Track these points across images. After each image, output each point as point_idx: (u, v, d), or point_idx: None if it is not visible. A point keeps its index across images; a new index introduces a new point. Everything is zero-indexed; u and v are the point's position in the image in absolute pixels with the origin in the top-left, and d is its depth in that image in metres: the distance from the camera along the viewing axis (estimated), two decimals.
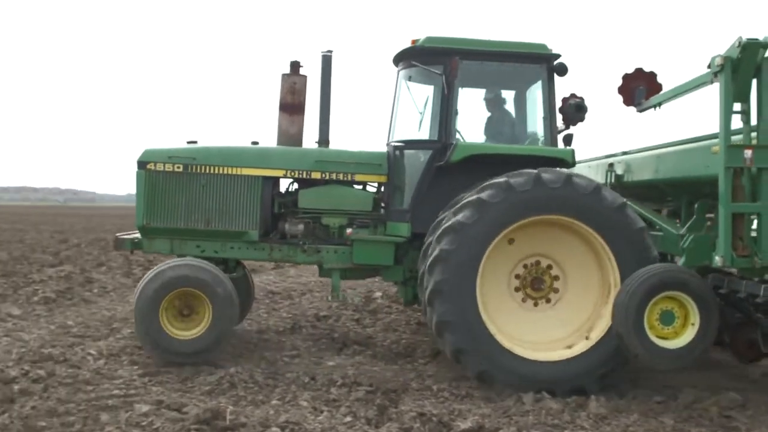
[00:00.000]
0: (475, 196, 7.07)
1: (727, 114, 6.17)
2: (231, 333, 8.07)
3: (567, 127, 9.08)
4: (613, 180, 8.86)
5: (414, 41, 8.14)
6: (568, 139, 8.42)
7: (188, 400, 6.27)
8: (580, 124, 8.98)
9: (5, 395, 6.35)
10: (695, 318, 6.40)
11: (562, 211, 7.07)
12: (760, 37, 6.00)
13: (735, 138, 6.29)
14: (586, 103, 8.78)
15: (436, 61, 8.02)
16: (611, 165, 8.95)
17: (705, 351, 6.56)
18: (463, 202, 7.16)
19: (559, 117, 8.75)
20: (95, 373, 7.28)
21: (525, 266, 7.44)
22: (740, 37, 5.99)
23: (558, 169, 7.38)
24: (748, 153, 6.08)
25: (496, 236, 7.04)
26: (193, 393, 6.67)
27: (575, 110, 8.74)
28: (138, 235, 8.55)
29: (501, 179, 7.09)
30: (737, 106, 6.26)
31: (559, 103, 8.87)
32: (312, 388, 6.95)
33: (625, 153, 8.98)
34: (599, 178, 9.01)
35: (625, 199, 7.25)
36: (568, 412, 6.29)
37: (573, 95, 8.92)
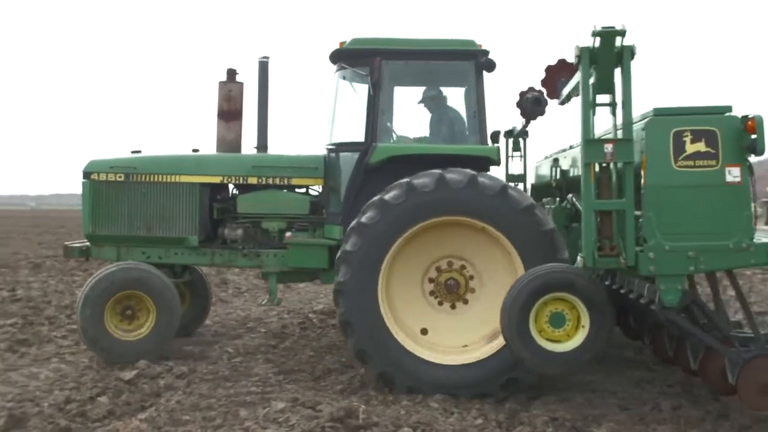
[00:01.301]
0: (377, 198, 7.03)
1: (585, 107, 5.90)
2: (171, 335, 8.26)
3: (527, 122, 9.01)
4: (558, 175, 8.65)
5: (341, 43, 8.14)
6: (495, 136, 8.27)
7: (321, 399, 6.45)
8: (540, 118, 8.83)
9: (152, 389, 6.89)
10: (585, 320, 6.10)
11: (467, 213, 6.92)
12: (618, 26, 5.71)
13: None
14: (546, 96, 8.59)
15: (363, 62, 8.00)
16: (556, 160, 8.75)
17: (596, 355, 6.25)
18: (368, 203, 7.12)
19: (518, 111, 8.68)
20: (233, 370, 7.79)
21: (438, 269, 7.30)
22: (594, 26, 5.72)
23: (465, 169, 7.15)
24: (608, 147, 5.79)
25: (399, 237, 6.95)
26: (326, 392, 6.91)
27: (533, 104, 8.61)
28: (87, 243, 8.80)
29: (404, 180, 7.02)
30: (606, 98, 5.99)
31: (517, 98, 8.75)
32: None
33: (571, 147, 8.70)
34: (546, 174, 8.79)
35: (532, 201, 7.04)
36: (709, 422, 5.97)
37: (531, 89, 8.74)
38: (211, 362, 8.09)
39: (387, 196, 6.97)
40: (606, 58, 5.79)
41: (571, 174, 8.38)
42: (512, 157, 10.67)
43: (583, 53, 5.82)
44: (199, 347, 8.83)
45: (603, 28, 5.70)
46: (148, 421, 5.79)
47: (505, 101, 9.54)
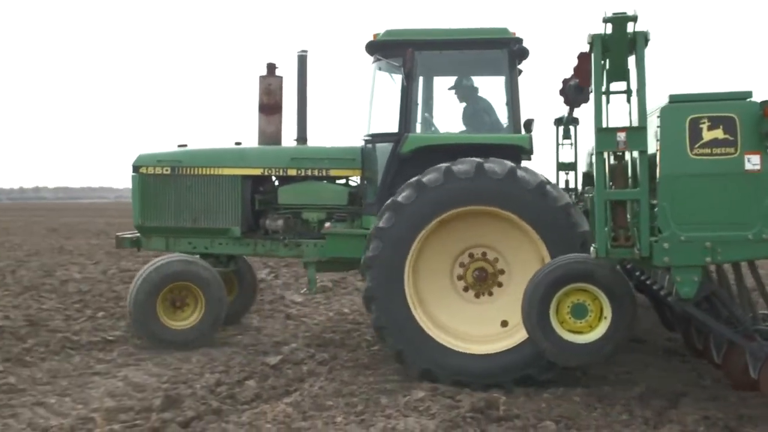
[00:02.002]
0: (392, 199, 7.08)
1: (598, 94, 5.77)
2: (219, 324, 8.59)
3: (571, 110, 8.96)
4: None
5: (375, 35, 8.20)
6: (528, 125, 8.16)
7: (460, 389, 6.51)
8: (584, 105, 8.76)
9: (296, 375, 7.21)
10: (607, 311, 5.98)
11: (479, 202, 6.87)
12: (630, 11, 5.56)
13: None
14: None
15: (397, 53, 8.03)
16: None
17: (619, 346, 6.13)
18: (384, 205, 7.17)
19: (561, 99, 8.60)
20: (372, 357, 7.99)
21: (464, 262, 7.27)
22: (605, 12, 5.59)
23: (473, 159, 7.05)
24: (621, 136, 5.63)
25: (416, 237, 6.96)
26: None
27: (576, 92, 8.48)
28: (137, 234, 9.18)
29: (415, 178, 7.03)
30: (621, 86, 5.87)
31: (560, 85, 8.71)
32: (584, 383, 6.80)
33: None
34: (585, 164, 8.63)
35: (544, 179, 6.93)
36: None
37: (574, 76, 8.43)
38: (350, 350, 8.35)
39: (399, 198, 6.99)
40: (619, 45, 5.66)
41: None
42: (562, 145, 10.52)
43: (595, 40, 5.68)
44: (339, 335, 9.17)
45: (614, 14, 5.57)
46: (293, 405, 5.98)
47: (550, 88, 9.41)
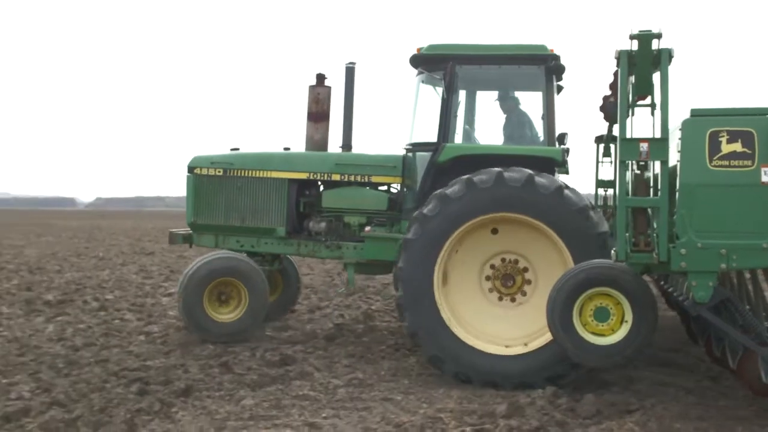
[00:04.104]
0: (418, 211, 7.46)
1: (623, 107, 6.06)
2: (261, 318, 9.02)
3: (610, 126, 9.10)
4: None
5: (419, 49, 8.59)
6: (561, 138, 8.45)
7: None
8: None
9: (633, 392, 6.89)
10: (628, 315, 6.23)
11: (499, 209, 7.18)
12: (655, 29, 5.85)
13: None
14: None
15: (438, 67, 8.42)
16: None
17: (639, 349, 6.34)
18: (412, 217, 7.57)
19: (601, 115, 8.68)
20: (712, 380, 7.45)
21: (493, 266, 7.57)
22: (631, 30, 5.88)
23: (493, 168, 7.34)
24: (644, 146, 5.92)
25: (441, 249, 7.28)
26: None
27: (615, 108, 8.60)
28: (189, 231, 9.73)
29: (439, 191, 7.39)
30: (647, 100, 6.15)
31: (600, 101, 8.73)
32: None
33: None
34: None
35: (562, 183, 7.21)
36: None
37: (611, 94, 8.64)
38: (687, 369, 7.86)
39: (425, 210, 7.35)
40: (644, 61, 5.95)
41: None
42: (602, 162, 10.63)
43: (622, 56, 5.99)
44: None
45: (640, 31, 5.86)
46: (639, 425, 5.83)
47: (591, 105, 9.51)
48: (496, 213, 7.25)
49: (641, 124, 6.33)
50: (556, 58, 8.22)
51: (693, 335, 8.43)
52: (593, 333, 6.30)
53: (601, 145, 10.49)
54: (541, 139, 8.40)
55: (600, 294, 6.27)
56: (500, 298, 7.59)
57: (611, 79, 8.15)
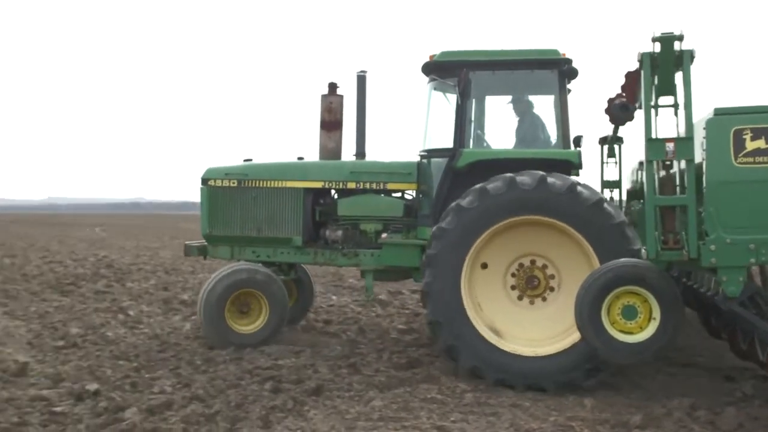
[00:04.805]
0: (455, 203, 7.58)
1: (647, 108, 6.23)
2: (281, 328, 9.14)
3: (615, 129, 9.40)
4: (640, 179, 8.70)
5: (431, 56, 8.74)
6: (577, 141, 8.63)
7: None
8: (629, 124, 8.94)
9: None
10: (656, 313, 6.37)
11: (538, 212, 7.33)
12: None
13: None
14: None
15: (451, 73, 8.53)
16: (641, 163, 8.67)
17: (667, 346, 6.51)
18: (447, 208, 7.67)
19: (606, 118, 8.78)
20: None
21: (521, 265, 7.72)
22: (654, 32, 6.06)
23: (537, 171, 7.52)
24: (670, 146, 6.09)
25: (476, 240, 7.45)
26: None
27: (621, 110, 8.76)
28: (204, 243, 9.79)
29: (479, 185, 7.51)
30: (669, 100, 6.33)
31: (605, 104, 8.87)
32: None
33: None
34: (632, 178, 9.07)
35: (601, 196, 7.42)
36: None
37: (619, 95, 8.89)
38: None
39: (463, 202, 7.49)
40: (666, 62, 6.14)
41: None
42: (607, 163, 10.66)
43: (645, 58, 6.18)
44: None
45: (663, 33, 6.06)
46: None
47: (595, 107, 10.02)
48: (533, 216, 7.39)
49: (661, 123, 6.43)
50: (569, 62, 8.43)
51: (713, 330, 8.56)
52: (621, 331, 6.44)
53: (605, 147, 10.57)
54: (554, 142, 8.60)
55: (627, 292, 6.41)
56: (525, 299, 7.72)
57: (614, 81, 8.29)
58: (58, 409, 6.26)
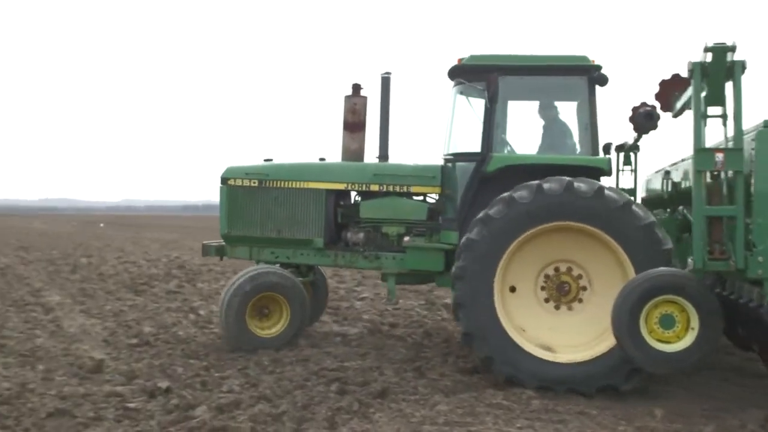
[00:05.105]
0: (483, 213, 7.48)
1: (697, 118, 6.20)
2: (302, 331, 9.09)
3: (639, 137, 9.34)
4: (669, 188, 8.71)
5: (460, 60, 8.64)
6: (606, 148, 8.62)
7: None
8: (651, 132, 9.07)
9: None
10: (695, 322, 6.35)
11: (568, 218, 7.27)
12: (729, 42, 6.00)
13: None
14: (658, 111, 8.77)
15: (480, 77, 8.42)
16: (667, 172, 8.87)
17: (705, 356, 6.48)
18: (475, 218, 7.56)
19: (630, 126, 8.91)
20: None
21: (552, 271, 7.65)
22: (706, 43, 6.04)
23: (563, 177, 7.46)
24: (719, 156, 6.05)
25: (505, 250, 7.38)
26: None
27: (646, 119, 8.84)
28: (222, 243, 9.70)
29: (506, 194, 7.43)
30: (717, 110, 6.29)
31: (629, 113, 8.95)
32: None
33: (683, 160, 8.58)
34: (657, 187, 9.02)
35: (630, 198, 7.34)
36: None
37: (644, 104, 8.98)
38: None
39: (491, 212, 7.40)
40: (717, 73, 6.11)
41: (682, 186, 8.37)
42: (623, 171, 10.59)
43: (695, 68, 6.17)
44: None
45: (715, 44, 6.03)
46: None
47: (617, 115, 9.92)
48: (561, 221, 7.34)
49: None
50: (599, 68, 8.36)
51: (740, 341, 8.54)
52: (659, 340, 6.43)
53: (622, 154, 11.06)
54: (581, 148, 8.55)
55: (665, 302, 6.40)
56: (557, 307, 7.66)
57: (636, 89, 8.48)
58: (131, 405, 6.46)
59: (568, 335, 7.55)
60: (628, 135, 9.64)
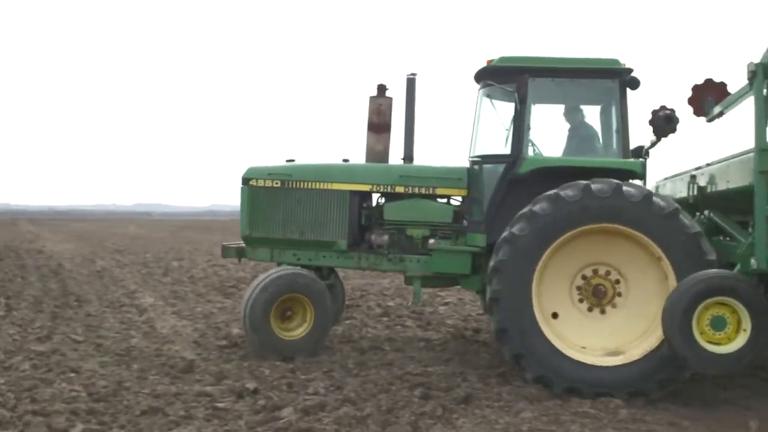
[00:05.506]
0: (528, 209, 7.42)
1: (760, 119, 6.19)
2: (327, 335, 8.94)
3: (658, 140, 9.24)
4: (695, 192, 8.49)
5: (489, 61, 8.58)
6: (638, 152, 8.59)
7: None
8: (671, 135, 9.04)
9: None
10: (747, 324, 6.36)
11: (614, 220, 7.25)
12: None
13: None
14: (677, 114, 8.85)
15: (510, 79, 8.40)
16: (693, 177, 8.65)
17: (757, 357, 6.50)
18: (518, 214, 7.50)
19: (650, 129, 8.90)
20: None
21: (586, 275, 7.62)
22: None
23: (611, 179, 7.48)
24: None
25: (548, 247, 7.33)
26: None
27: (665, 122, 8.86)
28: (242, 244, 9.50)
29: (552, 192, 7.39)
30: None
31: (649, 116, 9.02)
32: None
33: (708, 165, 8.57)
34: (683, 191, 8.84)
35: (677, 206, 7.32)
36: None
37: (663, 107, 9.06)
38: None
39: (536, 208, 7.37)
40: None
41: (708, 190, 8.24)
42: None
43: (758, 68, 6.18)
44: None
45: None
46: None
47: (637, 119, 10.01)
48: (587, 225, 7.32)
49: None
50: (630, 71, 8.35)
51: None
52: (710, 342, 6.44)
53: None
54: (606, 152, 8.57)
55: (716, 303, 6.42)
56: (590, 309, 7.62)
57: (654, 93, 8.38)
58: (220, 404, 6.62)
59: (600, 338, 7.51)
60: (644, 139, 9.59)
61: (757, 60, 6.25)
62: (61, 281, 17.08)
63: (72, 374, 7.71)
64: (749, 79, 6.38)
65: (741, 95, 7.37)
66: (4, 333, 10.06)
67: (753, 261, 6.30)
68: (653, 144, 9.40)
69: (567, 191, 7.33)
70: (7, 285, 16.00)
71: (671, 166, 9.44)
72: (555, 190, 7.39)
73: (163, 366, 8.20)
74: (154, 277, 18.25)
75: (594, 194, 7.25)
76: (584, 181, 7.38)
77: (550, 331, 7.43)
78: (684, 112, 9.34)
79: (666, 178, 9.90)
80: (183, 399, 6.81)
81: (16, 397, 6.73)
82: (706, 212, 8.52)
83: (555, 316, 7.59)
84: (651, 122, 8.97)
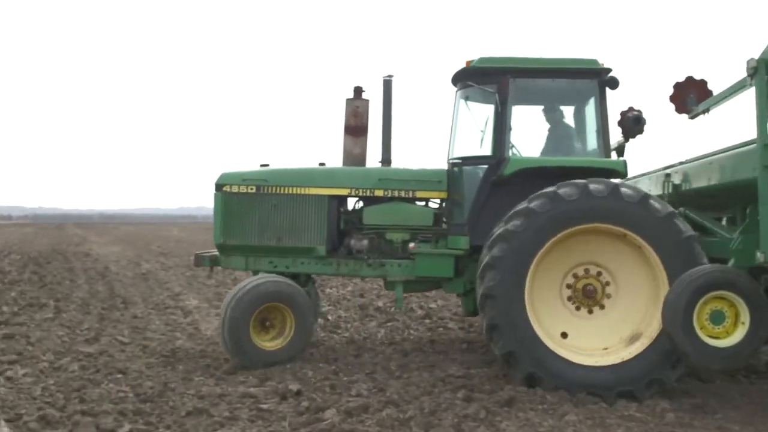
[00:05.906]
0: (524, 206, 7.34)
1: (762, 115, 6.20)
2: (307, 344, 8.70)
3: (626, 140, 9.29)
4: (670, 190, 8.64)
5: (468, 62, 8.51)
6: (620, 150, 8.64)
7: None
8: (639, 136, 9.15)
9: None
10: (745, 317, 6.41)
11: (610, 221, 7.21)
12: None
13: None
14: (645, 115, 8.97)
15: (490, 80, 8.37)
16: (668, 175, 8.81)
17: (756, 350, 6.53)
18: (513, 211, 7.41)
19: (618, 130, 9.01)
20: None
21: (575, 275, 7.57)
22: None
23: (608, 179, 7.52)
24: None
25: (544, 244, 7.25)
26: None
27: (633, 123, 8.95)
28: (216, 253, 9.19)
29: (550, 189, 7.33)
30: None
31: (617, 117, 9.09)
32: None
33: (682, 163, 8.69)
34: (657, 189, 8.87)
35: (673, 209, 7.31)
36: None
37: (631, 108, 9.13)
38: None
39: (533, 205, 7.28)
40: None
41: (683, 188, 8.37)
42: None
43: (760, 64, 6.21)
44: None
45: None
46: None
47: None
48: (583, 225, 7.27)
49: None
50: (609, 71, 8.38)
51: None
52: (709, 336, 6.47)
53: None
54: (585, 151, 8.57)
55: (715, 297, 6.46)
56: (579, 308, 7.59)
57: (622, 94, 8.32)
58: (264, 406, 6.65)
59: (588, 338, 7.48)
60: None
61: (756, 59, 6.30)
62: (107, 284, 17.50)
63: (119, 375, 7.88)
64: (750, 75, 6.39)
65: (735, 91, 7.40)
66: (54, 335, 10.25)
67: (759, 255, 6.32)
68: (621, 145, 9.42)
69: (566, 189, 7.29)
70: (56, 287, 16.36)
71: (640, 163, 9.55)
72: (553, 188, 7.34)
73: (207, 367, 8.30)
74: (198, 279, 18.36)
75: (591, 194, 7.22)
76: (582, 180, 7.35)
77: (542, 328, 7.37)
78: (664, 111, 9.49)
79: (637, 176, 9.86)
80: (227, 400, 6.87)
81: (65, 398, 6.86)
82: (680, 209, 8.33)
83: (545, 315, 7.51)
84: (620, 123, 9.06)
